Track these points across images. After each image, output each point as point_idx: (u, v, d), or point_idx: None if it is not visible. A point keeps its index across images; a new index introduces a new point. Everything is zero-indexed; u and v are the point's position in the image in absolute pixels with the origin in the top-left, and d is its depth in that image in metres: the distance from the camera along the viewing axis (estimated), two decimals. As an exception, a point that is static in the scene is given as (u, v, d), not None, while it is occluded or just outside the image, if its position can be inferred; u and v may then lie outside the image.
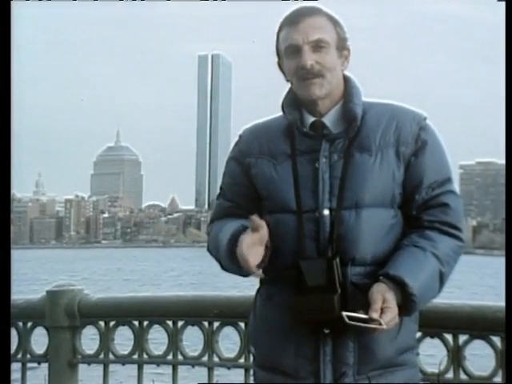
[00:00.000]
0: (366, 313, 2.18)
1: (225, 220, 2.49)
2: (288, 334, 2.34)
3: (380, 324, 2.16)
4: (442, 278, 2.32)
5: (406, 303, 2.25)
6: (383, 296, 2.20)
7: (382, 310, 2.18)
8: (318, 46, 2.35)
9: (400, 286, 2.23)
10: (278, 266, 2.37)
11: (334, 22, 2.40)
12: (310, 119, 2.41)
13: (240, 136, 2.53)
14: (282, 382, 2.36)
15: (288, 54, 2.38)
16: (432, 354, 2.95)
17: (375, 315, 2.17)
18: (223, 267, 2.47)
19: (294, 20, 2.38)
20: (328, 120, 2.39)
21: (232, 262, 2.34)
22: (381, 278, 2.25)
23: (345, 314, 2.18)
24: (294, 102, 2.42)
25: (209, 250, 2.54)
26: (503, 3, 2.72)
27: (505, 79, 2.62)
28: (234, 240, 2.31)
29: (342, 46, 2.40)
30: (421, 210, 2.37)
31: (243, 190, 2.48)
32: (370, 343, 2.29)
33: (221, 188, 2.57)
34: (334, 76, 2.37)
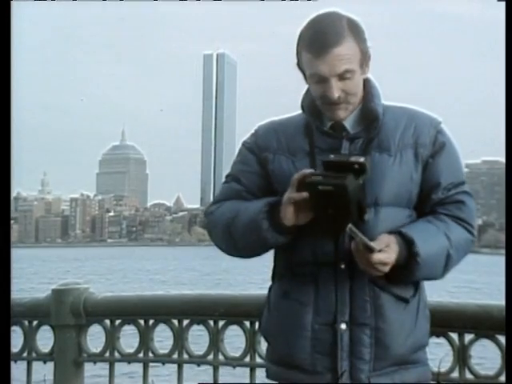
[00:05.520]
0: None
1: (240, 200, 2.45)
2: (304, 329, 2.35)
3: (372, 251, 2.18)
4: (448, 260, 2.35)
5: (410, 263, 2.27)
6: (388, 243, 2.24)
7: (380, 251, 2.22)
8: (344, 76, 2.33)
9: (408, 245, 2.27)
10: (294, 262, 2.38)
11: (358, 40, 2.36)
12: (330, 121, 2.42)
13: (256, 130, 2.52)
14: (298, 377, 2.38)
15: (313, 80, 2.36)
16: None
17: (373, 245, 2.20)
18: (234, 244, 2.43)
19: (319, 51, 2.31)
20: (347, 123, 2.41)
21: (266, 222, 2.30)
22: (391, 233, 2.29)
23: (351, 226, 2.17)
24: (313, 105, 2.43)
25: (213, 224, 2.48)
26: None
27: (505, 79, 2.64)
28: (273, 203, 2.30)
29: (364, 60, 2.39)
30: (436, 206, 2.41)
31: (257, 178, 2.47)
32: (386, 339, 2.32)
33: (229, 175, 2.53)
34: (357, 95, 2.39)
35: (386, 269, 2.24)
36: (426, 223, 2.37)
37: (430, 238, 2.31)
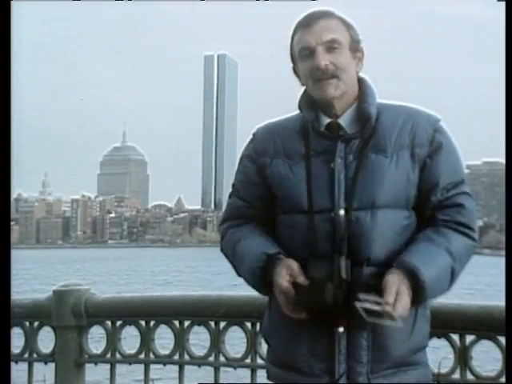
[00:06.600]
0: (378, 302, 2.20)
1: (241, 227, 2.49)
2: (303, 332, 2.35)
3: (393, 318, 2.17)
4: (453, 274, 2.34)
5: (417, 291, 2.26)
6: (397, 288, 2.22)
7: (395, 301, 2.20)
8: (331, 46, 2.37)
9: (412, 273, 2.25)
10: None
11: (347, 25, 2.42)
12: (326, 120, 2.42)
13: (254, 135, 2.54)
14: (296, 379, 2.38)
15: (302, 56, 2.40)
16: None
17: (389, 308, 2.18)
18: (239, 274, 2.50)
19: (307, 23, 2.40)
20: (343, 121, 2.41)
21: (261, 285, 2.39)
22: (394, 264, 2.27)
23: (359, 305, 2.18)
24: (310, 103, 2.43)
25: (224, 252, 2.55)
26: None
27: (505, 79, 2.64)
28: (265, 266, 2.34)
29: (355, 48, 2.42)
30: (436, 210, 2.39)
31: (256, 189, 2.49)
32: (384, 342, 2.32)
33: (233, 185, 2.57)
34: (348, 77, 2.39)
35: (407, 312, 2.24)
36: (425, 243, 2.33)
37: (432, 261, 2.29)
